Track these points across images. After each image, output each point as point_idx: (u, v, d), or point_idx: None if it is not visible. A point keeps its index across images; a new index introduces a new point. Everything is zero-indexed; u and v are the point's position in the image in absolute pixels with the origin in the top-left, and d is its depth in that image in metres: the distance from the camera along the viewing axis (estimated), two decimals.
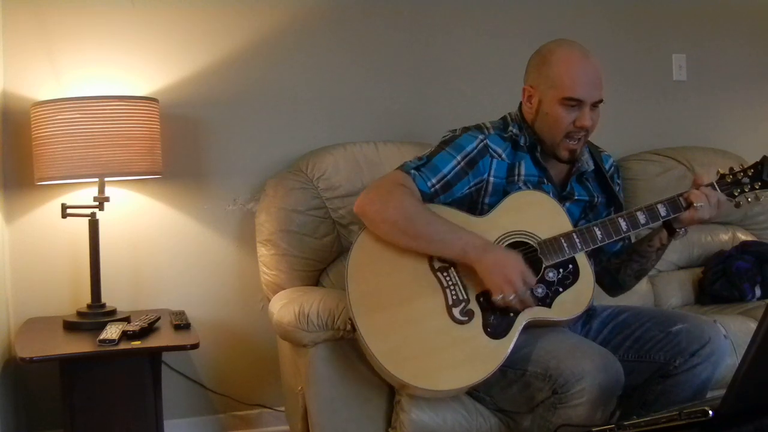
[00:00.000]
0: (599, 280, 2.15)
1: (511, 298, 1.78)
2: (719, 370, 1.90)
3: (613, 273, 2.12)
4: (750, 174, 1.94)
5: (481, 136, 1.96)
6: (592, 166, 2.05)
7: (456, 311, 1.83)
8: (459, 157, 1.93)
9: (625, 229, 1.90)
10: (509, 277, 1.78)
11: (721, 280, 2.80)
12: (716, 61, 3.33)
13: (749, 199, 1.94)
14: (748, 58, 3.39)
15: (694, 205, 1.87)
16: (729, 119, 3.36)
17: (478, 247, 1.82)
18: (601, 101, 1.92)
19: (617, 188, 2.12)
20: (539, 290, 1.87)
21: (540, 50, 1.98)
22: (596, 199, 2.06)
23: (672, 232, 1.96)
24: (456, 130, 2.00)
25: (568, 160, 1.96)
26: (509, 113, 2.06)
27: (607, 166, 2.11)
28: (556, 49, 1.93)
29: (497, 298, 1.79)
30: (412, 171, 1.92)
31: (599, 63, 1.93)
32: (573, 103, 1.89)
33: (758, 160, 1.96)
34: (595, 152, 2.08)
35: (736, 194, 1.94)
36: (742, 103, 3.38)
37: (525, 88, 2.00)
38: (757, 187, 1.93)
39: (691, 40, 3.29)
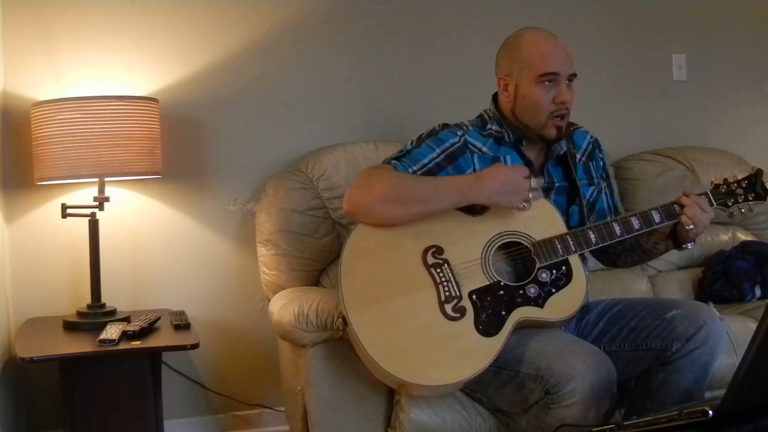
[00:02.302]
0: (596, 256, 2.17)
1: (532, 197, 1.85)
2: (718, 352, 1.90)
3: (613, 256, 2.16)
4: (744, 185, 1.98)
5: (460, 132, 1.98)
6: (565, 148, 2.05)
7: (448, 307, 1.84)
8: (438, 150, 1.95)
9: (619, 234, 1.93)
10: (516, 185, 1.84)
11: (721, 280, 2.80)
12: (716, 61, 3.33)
13: (743, 210, 1.98)
14: (748, 58, 3.39)
15: (685, 210, 1.90)
16: (729, 119, 3.36)
17: (472, 185, 1.86)
18: (575, 75, 1.95)
19: (601, 163, 2.15)
20: (532, 290, 1.87)
21: (507, 40, 2.02)
22: (577, 181, 2.07)
23: (678, 245, 1.99)
24: (436, 126, 2.01)
25: (556, 138, 1.97)
26: (485, 111, 2.07)
27: (584, 144, 2.12)
28: (523, 34, 1.98)
29: (521, 207, 1.86)
30: (393, 161, 1.94)
31: (566, 43, 1.97)
32: (549, 77, 1.91)
33: (752, 172, 1.99)
34: (567, 131, 2.07)
35: (730, 204, 1.97)
36: (742, 103, 3.38)
37: (499, 78, 2.02)
38: (750, 198, 1.98)
39: (691, 40, 3.29)
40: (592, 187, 2.10)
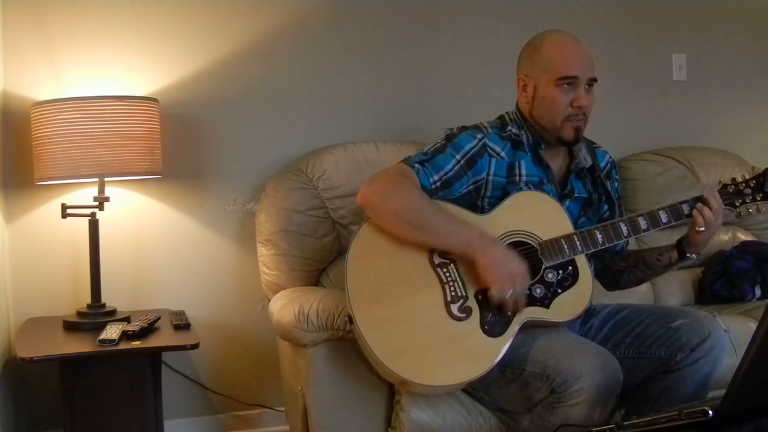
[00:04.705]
0: (598, 276, 2.16)
1: (509, 295, 1.79)
2: (720, 364, 1.91)
3: (616, 274, 2.13)
4: (752, 185, 1.97)
5: (479, 135, 1.97)
6: (590, 162, 2.05)
7: (454, 307, 1.83)
8: (458, 156, 1.94)
9: (625, 234, 1.92)
10: (512, 273, 1.80)
11: (721, 280, 2.80)
12: (716, 61, 3.33)
13: (750, 210, 1.97)
14: (748, 58, 3.40)
15: (695, 216, 1.89)
16: (729, 119, 3.36)
17: (484, 242, 1.83)
18: (595, 80, 1.95)
19: (616, 184, 2.14)
20: (538, 291, 1.87)
21: (530, 41, 2.01)
22: (594, 195, 2.07)
23: (682, 256, 1.98)
24: (454, 128, 2.01)
25: (574, 139, 1.96)
26: (507, 112, 2.06)
27: (603, 163, 2.12)
28: (546, 36, 1.98)
29: (496, 292, 1.80)
30: (416, 165, 1.92)
31: (588, 47, 1.96)
32: (568, 81, 1.91)
33: (760, 172, 1.98)
34: (589, 148, 2.09)
35: (738, 204, 1.96)
36: (742, 103, 3.38)
37: (519, 79, 2.02)
38: (758, 198, 1.96)
39: (691, 40, 3.29)
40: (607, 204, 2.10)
